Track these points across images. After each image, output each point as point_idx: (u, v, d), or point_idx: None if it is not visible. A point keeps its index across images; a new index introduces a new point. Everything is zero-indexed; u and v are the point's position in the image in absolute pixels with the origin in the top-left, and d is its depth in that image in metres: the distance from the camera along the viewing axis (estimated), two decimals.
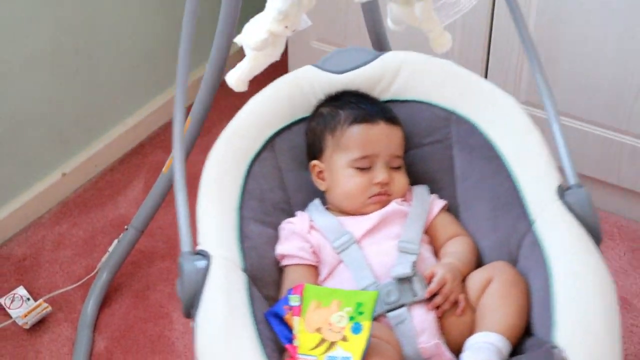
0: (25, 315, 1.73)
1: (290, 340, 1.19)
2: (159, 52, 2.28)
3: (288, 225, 1.38)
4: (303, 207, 1.43)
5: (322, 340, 1.17)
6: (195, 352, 1.15)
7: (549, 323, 1.12)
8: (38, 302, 1.77)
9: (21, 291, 1.80)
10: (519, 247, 1.29)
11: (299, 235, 1.35)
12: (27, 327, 1.74)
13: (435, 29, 1.23)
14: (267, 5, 1.14)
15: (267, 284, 1.31)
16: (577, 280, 1.15)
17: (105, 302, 1.83)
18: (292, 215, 1.42)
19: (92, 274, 1.87)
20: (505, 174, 1.34)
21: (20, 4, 1.83)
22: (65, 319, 1.78)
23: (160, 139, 2.30)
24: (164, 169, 1.73)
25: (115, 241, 1.83)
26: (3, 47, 1.85)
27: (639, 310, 1.79)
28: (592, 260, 1.16)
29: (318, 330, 1.18)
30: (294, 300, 1.22)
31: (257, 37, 1.14)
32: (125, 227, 1.84)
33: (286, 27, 1.14)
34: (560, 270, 1.17)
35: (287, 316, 1.21)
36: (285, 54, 2.30)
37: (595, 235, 1.19)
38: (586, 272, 1.15)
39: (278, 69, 2.07)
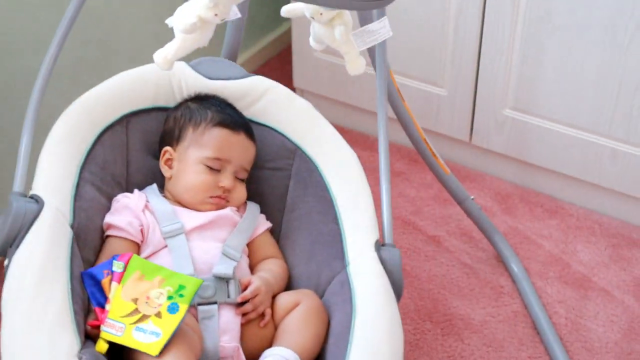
0: None
1: (100, 304, 1.23)
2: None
3: (124, 199, 1.42)
4: (138, 187, 1.48)
5: (136, 311, 1.20)
6: (2, 294, 1.16)
7: (342, 355, 1.19)
8: None
9: None
10: (328, 282, 1.37)
11: (132, 211, 1.39)
12: None
13: (352, 52, 1.28)
14: None
15: (88, 247, 1.34)
16: (374, 325, 1.22)
17: None
18: (125, 191, 1.47)
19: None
20: (332, 216, 1.42)
21: (47, 25, 1.88)
22: None
23: None
24: None
25: None
26: (34, 61, 1.86)
27: (619, 301, 1.86)
28: (390, 312, 1.24)
29: (134, 300, 1.21)
30: (117, 267, 1.25)
31: (187, 21, 1.18)
32: None
33: (216, 14, 1.18)
34: (362, 312, 1.24)
35: (104, 280, 1.24)
36: (289, 64, 2.48)
37: (398, 290, 1.29)
38: (383, 321, 1.22)
39: (282, 77, 2.15)
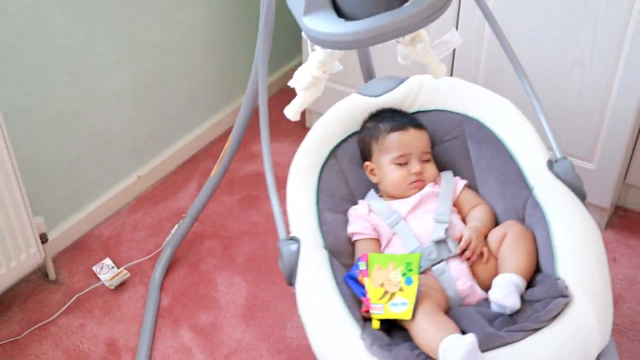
0: (111, 279, 1.97)
1: (364, 294, 1.34)
2: (210, 86, 2.48)
3: (353, 211, 1.57)
4: (363, 197, 1.62)
5: (385, 292, 1.31)
6: (299, 311, 1.31)
7: (552, 262, 1.28)
8: (120, 269, 2.00)
9: (108, 262, 2.03)
10: (524, 208, 1.45)
11: (362, 218, 1.54)
12: (112, 287, 1.96)
13: (433, 62, 1.33)
14: (310, 57, 1.31)
15: (344, 256, 1.48)
16: (569, 229, 1.31)
17: (168, 270, 2.04)
18: (355, 203, 1.60)
19: (159, 249, 2.09)
20: (508, 156, 1.52)
21: (110, 54, 2.05)
22: (140, 282, 2.00)
23: (209, 151, 2.52)
24: (212, 173, 1.94)
25: (176, 226, 2.05)
26: (99, 85, 2.05)
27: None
28: (579, 214, 1.33)
29: (381, 285, 1.32)
30: (362, 266, 1.37)
31: (304, 81, 1.31)
32: (183, 215, 2.05)
33: (324, 72, 1.30)
34: (556, 223, 1.33)
35: (359, 277, 1.36)
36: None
37: (580, 194, 1.37)
38: (576, 223, 1.31)
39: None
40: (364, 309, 1.32)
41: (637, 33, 1.79)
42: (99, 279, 1.98)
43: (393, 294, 1.30)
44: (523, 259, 1.35)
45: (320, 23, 1.14)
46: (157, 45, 2.17)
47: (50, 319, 1.88)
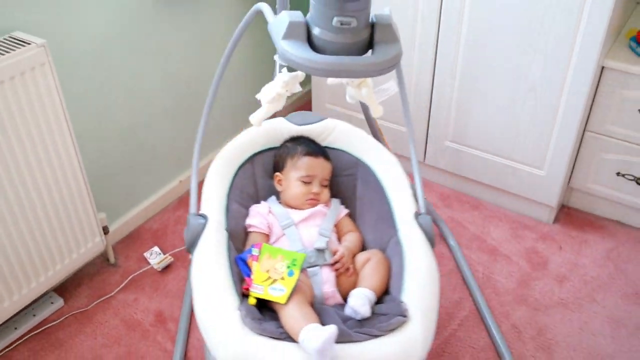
0: (158, 263, 1.98)
1: (248, 275, 1.34)
2: (233, 109, 2.42)
3: (255, 207, 1.57)
4: (265, 199, 1.62)
5: (269, 278, 1.32)
6: (191, 275, 1.30)
7: (400, 288, 1.31)
8: (166, 255, 2.02)
9: (156, 249, 2.04)
10: (387, 243, 1.47)
11: (261, 215, 1.54)
12: (159, 270, 1.98)
13: (373, 103, 1.33)
14: (276, 77, 1.31)
15: (238, 241, 1.47)
16: (418, 267, 1.33)
17: None
18: (258, 202, 1.60)
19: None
20: (385, 200, 1.53)
21: (157, 83, 2.06)
22: (181, 265, 2.01)
23: None
24: None
25: None
26: (148, 107, 2.06)
27: (515, 263, 1.99)
28: (427, 257, 1.35)
29: (267, 271, 1.32)
30: (255, 252, 1.37)
31: (269, 95, 1.30)
32: None
33: (286, 90, 1.31)
34: (409, 260, 1.36)
35: (249, 260, 1.36)
36: (310, 110, 2.44)
37: (432, 242, 1.39)
38: (423, 264, 1.34)
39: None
40: (245, 286, 1.32)
41: (577, 69, 1.81)
42: (149, 263, 2.01)
43: (275, 280, 1.30)
44: (378, 279, 1.37)
45: (294, 48, 1.12)
46: (193, 77, 2.20)
47: (111, 294, 1.91)
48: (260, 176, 1.65)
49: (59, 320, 1.82)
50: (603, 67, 1.86)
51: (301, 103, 2.79)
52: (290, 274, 1.32)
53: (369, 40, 1.14)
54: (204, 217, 1.39)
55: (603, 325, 1.79)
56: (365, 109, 1.73)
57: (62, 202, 1.71)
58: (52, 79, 1.56)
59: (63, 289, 1.92)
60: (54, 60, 1.59)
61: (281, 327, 1.22)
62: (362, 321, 1.26)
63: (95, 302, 1.88)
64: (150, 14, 1.92)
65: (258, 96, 1.31)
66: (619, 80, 1.85)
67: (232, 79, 2.29)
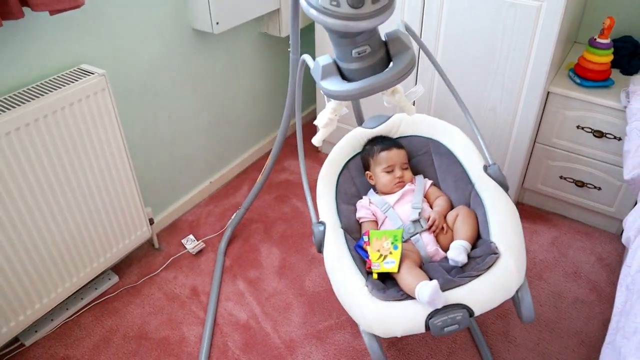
0: (193, 248, 1.98)
1: (367, 257, 1.34)
2: (256, 124, 2.43)
3: (359, 202, 1.55)
4: (366, 193, 1.60)
5: (380, 255, 1.31)
6: (326, 268, 1.31)
7: (487, 231, 1.30)
8: (199, 242, 2.01)
9: (191, 237, 2.03)
10: (469, 197, 1.45)
11: (365, 207, 1.53)
12: (194, 253, 1.97)
13: (406, 104, 1.32)
14: (327, 105, 1.30)
15: (353, 232, 1.47)
16: (498, 210, 1.32)
17: (229, 242, 2.02)
18: (360, 198, 1.58)
19: (224, 229, 2.08)
20: (458, 164, 1.51)
21: (194, 104, 2.04)
22: (211, 250, 2.00)
23: (256, 166, 2.45)
24: (258, 180, 1.93)
25: (234, 214, 2.03)
26: (186, 123, 2.04)
27: None
28: (504, 200, 1.33)
29: (378, 250, 1.33)
30: (365, 238, 1.38)
31: (323, 120, 1.30)
32: (239, 207, 2.05)
33: (335, 115, 1.31)
34: (490, 206, 1.34)
35: (364, 246, 1.37)
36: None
37: (505, 187, 1.37)
38: (501, 206, 1.32)
39: (312, 131, 2.21)
40: (367, 266, 1.32)
41: (528, 94, 1.82)
42: (185, 248, 2.01)
43: (385, 256, 1.30)
44: (469, 229, 1.36)
45: (331, 84, 1.12)
46: (224, 98, 2.20)
47: (155, 272, 1.92)
48: (356, 177, 1.63)
49: (114, 293, 1.84)
50: (549, 92, 1.87)
51: (308, 118, 2.75)
52: (395, 247, 1.31)
53: (386, 55, 1.11)
54: (322, 223, 1.38)
55: (548, 298, 1.79)
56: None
57: (117, 199, 1.73)
58: (110, 101, 1.58)
59: (118, 268, 1.93)
60: (112, 87, 1.63)
61: (401, 290, 1.22)
62: (464, 267, 1.27)
63: (143, 279, 1.89)
64: (189, 48, 1.93)
65: (315, 122, 1.31)
66: (562, 102, 1.86)
67: (239, 93, 2.27)
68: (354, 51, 1.08)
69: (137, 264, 1.96)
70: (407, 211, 1.48)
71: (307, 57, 1.29)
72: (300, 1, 1.04)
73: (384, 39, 1.12)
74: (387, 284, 1.27)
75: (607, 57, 1.81)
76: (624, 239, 1.41)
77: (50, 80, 1.50)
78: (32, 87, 1.47)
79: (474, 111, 1.97)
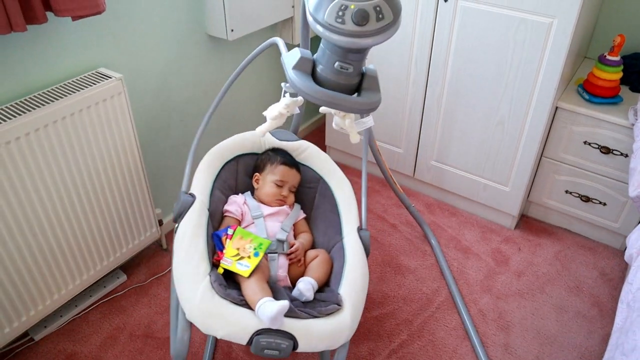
0: None
1: (221, 249, 1.31)
2: (261, 122, 2.32)
3: (234, 197, 1.54)
4: (241, 192, 1.59)
5: (238, 254, 1.29)
6: (174, 241, 1.27)
7: (339, 283, 1.31)
8: None
9: None
10: (333, 246, 1.46)
11: (237, 204, 1.51)
12: None
13: (353, 132, 1.32)
14: (282, 99, 1.29)
15: (215, 220, 1.45)
16: (354, 270, 1.33)
17: None
18: (235, 193, 1.58)
19: None
20: (336, 212, 1.52)
21: (205, 107, 2.03)
22: None
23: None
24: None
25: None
26: (196, 126, 2.02)
27: (483, 260, 1.96)
28: (363, 263, 1.34)
29: (237, 249, 1.30)
30: (230, 231, 1.35)
31: (273, 113, 1.28)
32: None
33: (287, 111, 1.29)
34: (349, 264, 1.35)
35: (223, 238, 1.34)
36: (324, 132, 2.58)
37: (367, 251, 1.39)
38: (359, 269, 1.33)
39: (321, 138, 2.27)
40: (216, 257, 1.30)
41: (536, 108, 1.83)
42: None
43: (242, 257, 1.28)
44: (322, 273, 1.38)
45: (301, 78, 1.10)
46: (233, 102, 2.21)
47: (163, 273, 1.93)
48: (241, 173, 1.62)
49: (122, 292, 1.85)
50: (557, 107, 1.88)
51: (319, 124, 2.80)
52: (256, 254, 1.29)
53: (358, 85, 1.13)
54: (192, 195, 1.37)
55: (550, 311, 1.80)
56: (364, 134, 1.72)
57: (128, 200, 1.75)
58: (126, 104, 1.61)
59: (126, 267, 1.94)
60: (127, 90, 1.66)
61: (241, 295, 1.20)
62: (305, 303, 1.26)
63: (151, 279, 1.90)
64: (203, 54, 1.95)
65: (264, 113, 1.30)
66: (569, 118, 1.87)
67: (246, 95, 2.27)
68: (337, 63, 1.09)
69: (146, 264, 1.97)
70: (275, 228, 1.48)
71: (278, 40, 1.28)
72: (307, 16, 1.06)
73: (363, 70, 1.14)
74: (227, 284, 1.24)
75: (616, 74, 1.83)
76: (626, 257, 1.43)
77: (69, 82, 1.54)
78: (52, 89, 1.50)
79: (482, 124, 1.98)
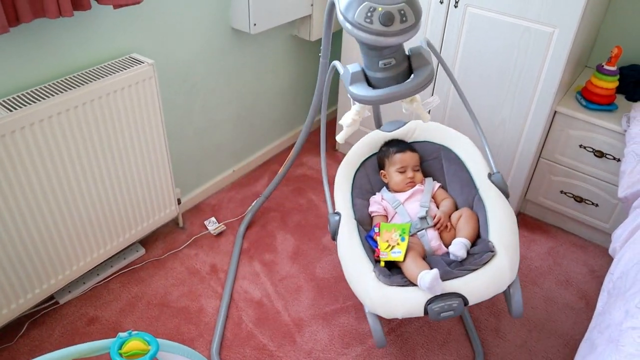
0: (214, 229, 2.04)
1: (376, 246, 1.40)
2: (281, 118, 2.48)
3: (372, 198, 1.62)
4: (378, 190, 1.67)
5: (389, 245, 1.37)
6: (339, 255, 1.38)
7: (487, 232, 1.37)
8: (220, 224, 2.07)
9: (213, 219, 2.10)
10: (473, 201, 1.51)
11: (377, 202, 1.60)
12: (215, 234, 2.03)
13: (422, 112, 1.38)
14: (352, 107, 1.37)
15: (365, 224, 1.54)
16: (497, 214, 1.38)
17: (248, 227, 2.09)
18: (374, 194, 1.65)
19: (244, 214, 2.15)
20: (465, 170, 1.58)
21: (225, 96, 2.12)
22: (231, 233, 2.06)
23: (277, 158, 2.52)
24: (279, 172, 2.00)
25: (254, 201, 2.13)
26: (217, 114, 2.13)
27: None
28: (504, 205, 1.40)
29: (387, 241, 1.39)
30: (376, 230, 1.44)
31: (347, 120, 1.37)
32: (259, 196, 2.13)
33: (359, 116, 1.36)
34: (490, 210, 1.40)
35: (374, 237, 1.43)
36: (334, 128, 2.57)
37: (506, 194, 1.45)
38: (501, 211, 1.38)
39: (332, 133, 2.28)
40: (375, 254, 1.39)
41: (536, 112, 1.88)
42: (207, 229, 2.08)
43: (393, 246, 1.36)
44: (470, 229, 1.43)
45: (358, 89, 1.19)
46: (253, 93, 2.27)
47: (179, 249, 2.00)
48: (371, 175, 1.70)
49: (141, 264, 1.94)
50: (555, 112, 1.94)
51: (330, 117, 2.84)
52: (403, 239, 1.37)
53: (409, 68, 1.20)
54: (338, 214, 1.44)
55: (539, 302, 1.87)
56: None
57: (152, 178, 1.84)
58: (156, 89, 1.70)
59: (145, 241, 2.02)
60: (157, 75, 1.74)
61: (405, 277, 1.30)
62: (462, 261, 1.33)
63: (167, 254, 1.98)
64: (226, 45, 2.03)
65: (340, 122, 1.38)
66: (567, 122, 1.94)
67: (264, 88, 2.32)
68: (380, 62, 1.17)
69: (163, 239, 2.05)
70: (415, 208, 1.55)
71: (337, 64, 1.37)
72: (337, 14, 1.16)
73: (407, 53, 1.22)
74: (392, 272, 1.34)
75: (612, 83, 1.92)
76: (610, 250, 1.53)
77: (105, 65, 1.64)
78: (89, 70, 1.61)
79: (485, 123, 2.04)
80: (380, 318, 1.30)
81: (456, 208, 1.57)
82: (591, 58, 2.20)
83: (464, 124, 2.10)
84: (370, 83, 1.21)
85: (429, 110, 2.09)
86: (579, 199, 2.05)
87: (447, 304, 1.18)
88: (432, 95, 1.47)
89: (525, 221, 2.26)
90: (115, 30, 1.66)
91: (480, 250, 1.32)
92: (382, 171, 1.68)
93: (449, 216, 1.52)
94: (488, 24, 1.86)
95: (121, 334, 0.98)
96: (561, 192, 2.09)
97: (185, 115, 2.01)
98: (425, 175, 1.69)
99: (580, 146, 1.96)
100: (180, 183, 2.12)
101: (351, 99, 1.28)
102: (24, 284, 1.59)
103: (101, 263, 1.88)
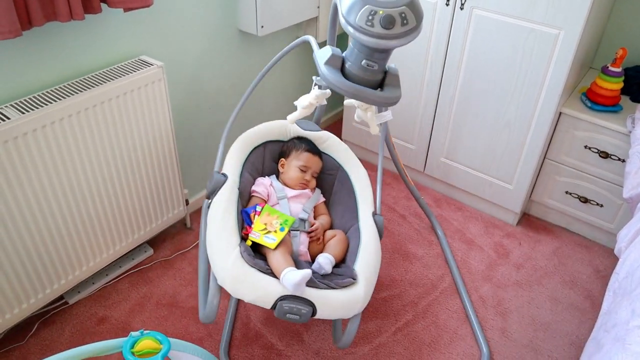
0: None
1: (249, 224, 1.38)
2: (284, 110, 2.41)
3: (261, 179, 1.60)
4: (268, 175, 1.65)
5: (265, 229, 1.34)
6: (208, 216, 1.33)
7: (354, 260, 1.38)
8: None
9: None
10: (350, 228, 1.53)
11: (264, 185, 1.58)
12: None
13: (373, 124, 1.37)
14: (312, 91, 1.36)
15: (243, 199, 1.51)
16: (369, 250, 1.39)
17: None
18: (262, 176, 1.64)
19: None
20: (353, 198, 1.59)
21: (233, 96, 2.11)
22: None
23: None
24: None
25: None
26: (223, 115, 2.10)
27: (485, 252, 2.01)
28: (377, 246, 1.41)
29: (265, 224, 1.36)
30: (258, 208, 1.42)
31: (304, 103, 1.35)
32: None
33: (317, 101, 1.35)
34: (364, 244, 1.41)
35: (252, 214, 1.41)
36: (341, 125, 2.59)
37: (380, 234, 1.46)
38: (373, 248, 1.40)
39: (338, 131, 2.34)
40: (245, 231, 1.36)
41: (541, 113, 1.89)
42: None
43: (269, 232, 1.34)
44: (340, 251, 1.45)
45: (331, 72, 1.17)
46: (258, 94, 2.28)
47: (187, 249, 2.00)
48: (267, 158, 1.68)
49: (149, 264, 1.94)
50: (560, 113, 1.96)
51: (336, 119, 2.88)
52: (282, 229, 1.35)
53: (381, 81, 1.21)
54: (224, 175, 1.44)
55: (545, 302, 1.88)
56: (382, 129, 1.78)
57: (160, 179, 1.85)
58: (165, 91, 1.72)
59: (153, 242, 2.03)
60: (166, 77, 1.75)
61: (267, 265, 1.27)
62: (324, 276, 1.34)
63: (175, 254, 1.98)
64: (233, 47, 2.04)
65: (295, 102, 1.38)
66: (572, 123, 1.95)
67: (270, 87, 2.32)
68: (364, 61, 1.16)
69: (171, 240, 2.05)
70: (297, 209, 1.54)
71: (310, 38, 1.34)
72: (339, 17, 1.16)
73: (386, 68, 1.22)
74: (255, 254, 1.32)
75: (617, 85, 1.93)
76: (616, 250, 1.54)
77: (115, 67, 1.66)
78: (99, 73, 1.63)
79: (490, 125, 2.05)
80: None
81: (330, 227, 1.59)
82: (596, 59, 2.20)
83: (468, 128, 2.09)
84: (344, 73, 1.20)
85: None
86: (584, 200, 2.06)
87: (297, 308, 1.19)
88: (387, 109, 1.47)
89: (530, 221, 2.27)
90: (125, 33, 1.67)
91: (343, 273, 1.34)
92: (282, 159, 1.67)
93: (324, 231, 1.53)
94: (494, 25, 1.87)
95: (133, 333, 0.99)
96: (566, 192, 2.10)
97: (193, 116, 2.02)
98: (317, 186, 1.69)
99: (586, 147, 1.97)
100: (189, 184, 2.13)
101: (314, 82, 1.29)
102: (34, 284, 1.60)
103: (110, 263, 1.89)
